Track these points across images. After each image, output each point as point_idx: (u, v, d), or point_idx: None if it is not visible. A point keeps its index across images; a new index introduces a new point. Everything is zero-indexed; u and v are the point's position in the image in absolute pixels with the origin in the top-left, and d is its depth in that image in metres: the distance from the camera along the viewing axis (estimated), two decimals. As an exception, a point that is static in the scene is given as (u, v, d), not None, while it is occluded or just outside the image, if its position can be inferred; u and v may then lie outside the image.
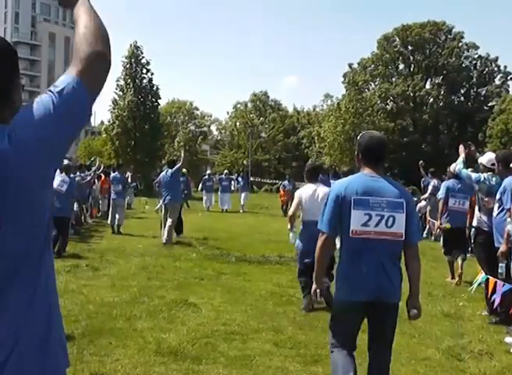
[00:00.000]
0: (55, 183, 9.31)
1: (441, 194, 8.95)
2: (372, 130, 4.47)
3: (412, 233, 3.40)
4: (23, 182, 1.38)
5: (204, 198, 23.51)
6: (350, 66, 58.65)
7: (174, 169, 12.02)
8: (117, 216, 13.51)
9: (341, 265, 3.52)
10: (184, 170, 20.49)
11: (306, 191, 6.83)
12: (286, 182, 23.76)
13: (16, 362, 1.39)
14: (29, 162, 1.39)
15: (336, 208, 3.40)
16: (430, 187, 13.79)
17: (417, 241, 3.50)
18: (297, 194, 6.99)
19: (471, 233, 7.64)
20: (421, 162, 15.55)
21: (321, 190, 6.67)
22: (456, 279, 8.43)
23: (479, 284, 6.11)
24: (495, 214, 5.85)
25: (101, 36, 1.58)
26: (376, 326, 3.44)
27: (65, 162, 10.82)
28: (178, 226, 13.03)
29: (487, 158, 6.75)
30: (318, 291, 3.65)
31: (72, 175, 11.28)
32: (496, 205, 5.83)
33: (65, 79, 1.50)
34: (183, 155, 12.86)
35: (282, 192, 23.16)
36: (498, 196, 5.78)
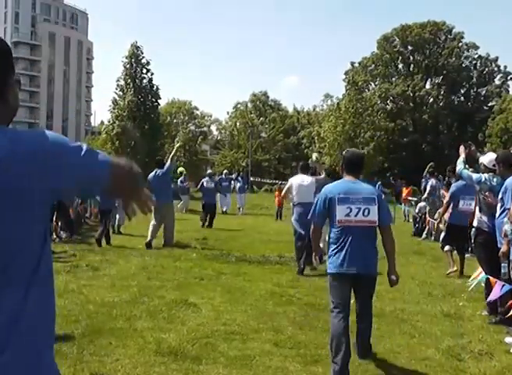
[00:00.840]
0: None
1: (449, 194, 8.96)
2: (354, 148, 5.84)
3: (384, 218, 4.55)
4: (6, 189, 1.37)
5: (221, 200, 21.85)
6: (352, 64, 58.72)
7: (165, 169, 11.66)
8: (117, 216, 13.51)
9: (331, 246, 4.55)
10: (182, 169, 20.52)
11: (296, 179, 9.28)
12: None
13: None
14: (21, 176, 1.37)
15: (323, 206, 4.54)
16: (428, 187, 13.81)
17: (389, 223, 4.68)
18: (290, 180, 9.55)
19: (472, 233, 7.64)
20: (432, 163, 15.51)
21: (308, 179, 9.18)
22: (455, 268, 8.58)
23: (477, 283, 6.12)
24: (497, 215, 5.84)
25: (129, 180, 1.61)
26: (360, 292, 4.63)
27: None
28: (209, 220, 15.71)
29: (488, 158, 6.73)
30: (317, 257, 5.42)
31: None
32: (498, 206, 5.82)
33: (101, 154, 1.53)
34: (173, 152, 12.39)
35: (277, 192, 21.76)
36: (500, 196, 5.78)
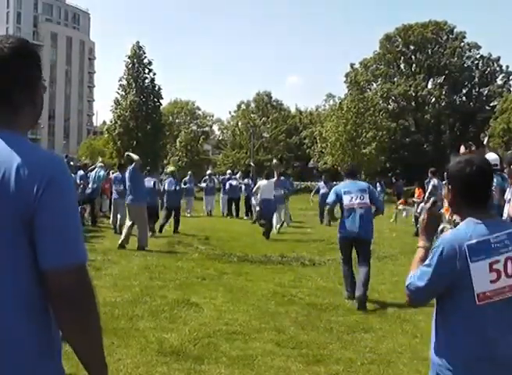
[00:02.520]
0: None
1: None
2: (351, 163, 8.74)
3: (375, 201, 7.31)
4: None
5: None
6: (351, 65, 58.63)
7: (131, 168, 11.39)
8: (119, 215, 13.51)
9: (341, 220, 7.11)
10: (172, 169, 20.13)
11: (263, 181, 14.36)
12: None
13: None
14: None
15: (335, 197, 7.17)
16: (430, 187, 13.77)
17: (379, 205, 7.49)
18: (258, 183, 14.78)
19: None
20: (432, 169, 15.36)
21: (270, 181, 14.25)
22: None
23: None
24: (505, 215, 5.83)
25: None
26: (358, 250, 7.07)
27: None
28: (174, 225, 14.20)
29: (488, 158, 6.73)
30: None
31: (73, 174, 11.34)
32: (506, 206, 5.82)
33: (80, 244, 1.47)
34: (133, 155, 11.96)
35: None
36: (508, 196, 5.76)
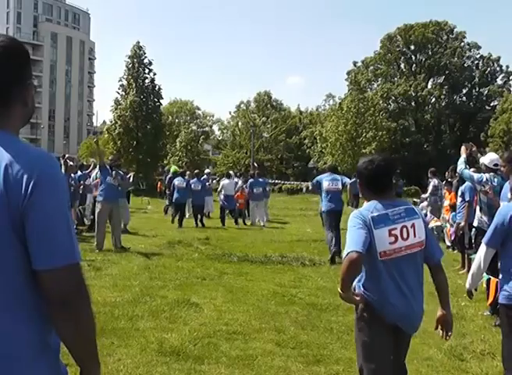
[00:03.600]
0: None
1: (468, 197, 8.75)
2: (331, 164, 10.83)
3: (343, 186, 10.49)
4: None
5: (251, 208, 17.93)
6: (354, 63, 58.65)
7: (98, 167, 11.39)
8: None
9: (322, 200, 10.38)
10: (175, 168, 19.96)
11: (226, 181, 17.66)
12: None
13: None
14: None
15: (316, 182, 10.69)
16: (430, 187, 13.77)
17: (346, 183, 10.44)
18: (221, 182, 18.10)
19: (472, 233, 7.62)
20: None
21: (231, 181, 17.85)
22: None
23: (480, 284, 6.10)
24: None
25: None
26: (334, 219, 10.23)
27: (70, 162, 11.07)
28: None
29: (489, 158, 6.72)
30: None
31: (72, 174, 11.34)
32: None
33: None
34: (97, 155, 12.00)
35: (240, 194, 17.93)
36: (509, 196, 5.75)
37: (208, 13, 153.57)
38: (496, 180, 6.40)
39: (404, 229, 3.03)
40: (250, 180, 17.55)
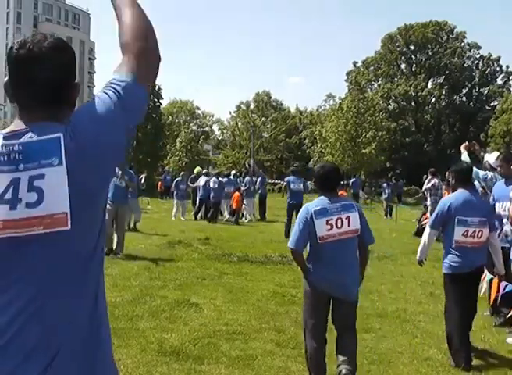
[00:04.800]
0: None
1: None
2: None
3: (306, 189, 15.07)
4: (84, 187, 1.40)
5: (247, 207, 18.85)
6: (354, 64, 58.64)
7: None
8: (133, 215, 13.66)
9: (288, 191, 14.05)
10: (199, 169, 20.20)
11: (202, 180, 17.90)
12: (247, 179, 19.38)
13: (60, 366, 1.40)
14: (92, 165, 1.40)
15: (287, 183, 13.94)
16: (425, 184, 13.80)
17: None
18: (199, 180, 18.35)
19: None
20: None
21: (213, 179, 17.46)
22: None
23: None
24: (506, 212, 5.82)
25: (150, 31, 1.60)
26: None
27: None
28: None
29: (494, 157, 6.73)
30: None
31: None
32: (507, 205, 5.82)
33: (122, 76, 1.51)
34: None
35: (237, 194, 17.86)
36: (510, 195, 5.76)
37: (208, 13, 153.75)
38: (499, 178, 6.40)
39: (339, 220, 4.00)
40: (247, 178, 19.27)
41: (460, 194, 4.99)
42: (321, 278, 4.03)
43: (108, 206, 9.97)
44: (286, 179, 14.97)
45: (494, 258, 5.18)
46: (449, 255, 4.99)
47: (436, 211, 5.08)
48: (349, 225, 4.00)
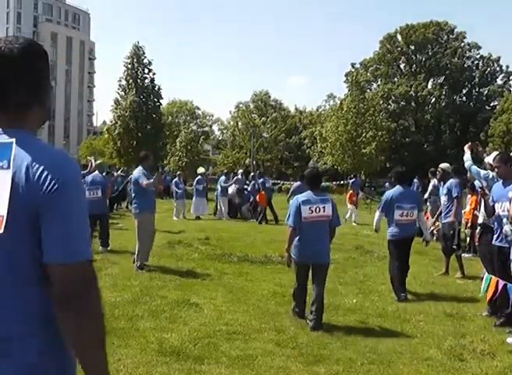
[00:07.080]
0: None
1: (456, 192, 8.74)
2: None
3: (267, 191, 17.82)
4: (26, 196, 1.42)
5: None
6: (352, 65, 58.62)
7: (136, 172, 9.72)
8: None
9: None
10: (202, 170, 20.06)
11: (239, 182, 19.57)
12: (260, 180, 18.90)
13: None
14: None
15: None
16: (430, 187, 13.77)
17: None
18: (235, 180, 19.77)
19: (477, 231, 7.71)
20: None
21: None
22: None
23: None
24: (505, 212, 5.83)
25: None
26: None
27: None
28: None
29: (493, 157, 6.75)
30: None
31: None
32: (507, 204, 5.83)
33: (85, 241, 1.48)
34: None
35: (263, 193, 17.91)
36: (510, 195, 5.76)
37: (208, 13, 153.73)
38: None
39: (317, 208, 5.82)
40: (261, 180, 18.87)
41: (397, 189, 7.47)
42: (302, 249, 5.82)
43: (144, 215, 9.11)
44: (294, 184, 15.97)
45: (422, 228, 8.26)
46: (392, 228, 7.35)
47: (383, 200, 7.55)
48: (324, 212, 5.84)
